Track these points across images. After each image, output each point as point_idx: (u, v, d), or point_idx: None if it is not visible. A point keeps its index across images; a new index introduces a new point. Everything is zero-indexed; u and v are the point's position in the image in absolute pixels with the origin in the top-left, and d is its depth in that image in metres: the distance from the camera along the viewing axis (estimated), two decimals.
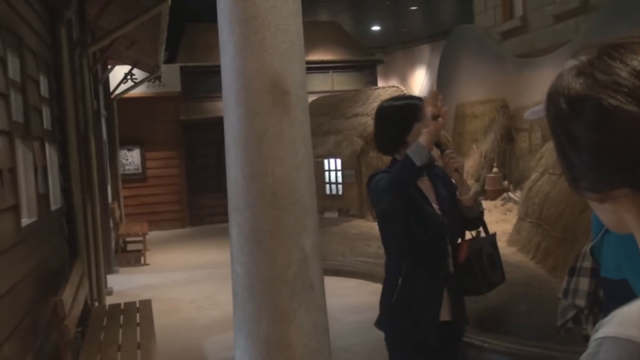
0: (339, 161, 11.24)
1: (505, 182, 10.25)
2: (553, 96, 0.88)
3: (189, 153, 14.60)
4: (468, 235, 2.97)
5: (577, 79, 0.85)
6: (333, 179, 11.36)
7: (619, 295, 1.87)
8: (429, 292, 2.77)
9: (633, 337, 0.75)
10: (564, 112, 0.86)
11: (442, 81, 12.34)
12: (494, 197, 10.12)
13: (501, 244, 8.45)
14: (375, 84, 15.42)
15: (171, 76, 13.93)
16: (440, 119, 2.62)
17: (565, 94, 0.86)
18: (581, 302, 2.23)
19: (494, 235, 3.02)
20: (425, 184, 2.84)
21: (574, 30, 9.18)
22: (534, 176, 7.77)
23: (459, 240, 2.91)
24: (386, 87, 11.25)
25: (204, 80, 14.65)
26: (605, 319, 0.80)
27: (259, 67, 2.24)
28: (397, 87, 11.05)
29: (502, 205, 9.89)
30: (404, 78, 16.99)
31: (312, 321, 2.32)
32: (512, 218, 8.50)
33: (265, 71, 2.24)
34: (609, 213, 0.89)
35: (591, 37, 7.74)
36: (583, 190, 0.88)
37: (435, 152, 2.87)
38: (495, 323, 5.64)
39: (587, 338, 2.28)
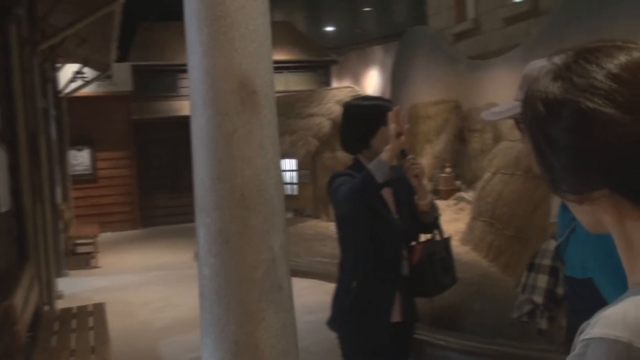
0: (294, 161, 11.24)
1: (458, 182, 10.41)
2: (530, 100, 0.90)
3: (140, 153, 14.38)
4: (423, 238, 3.02)
5: (554, 82, 0.86)
6: (288, 179, 11.35)
7: (584, 293, 1.92)
8: (382, 295, 2.81)
9: (620, 337, 0.76)
10: (542, 115, 0.87)
11: (396, 82, 12.46)
12: (446, 197, 10.27)
13: (454, 242, 8.58)
14: (329, 84, 15.48)
15: (123, 75, 13.69)
16: (402, 137, 2.66)
17: (543, 98, 0.87)
18: (538, 298, 2.28)
19: (449, 239, 3.08)
20: (385, 190, 2.85)
21: (525, 33, 9.40)
22: (486, 176, 7.91)
23: (414, 243, 2.96)
24: (341, 88, 11.32)
25: (156, 79, 14.45)
26: (591, 321, 0.82)
27: (228, 67, 2.23)
28: (352, 87, 11.13)
29: (455, 204, 10.05)
30: (357, 79, 17.10)
31: (281, 322, 2.31)
32: (465, 217, 8.64)
33: (234, 71, 2.23)
34: (587, 214, 0.91)
35: (541, 40, 7.94)
36: (562, 192, 0.90)
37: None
38: (451, 321, 5.73)
39: (540, 332, 2.34)
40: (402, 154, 2.83)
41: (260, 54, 2.31)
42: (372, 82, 16.57)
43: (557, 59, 0.89)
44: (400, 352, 2.97)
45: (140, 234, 13.69)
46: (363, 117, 2.85)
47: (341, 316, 2.87)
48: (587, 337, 0.79)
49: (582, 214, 0.92)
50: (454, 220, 9.46)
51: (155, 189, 14.40)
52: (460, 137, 10.49)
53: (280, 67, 14.91)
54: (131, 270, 9.87)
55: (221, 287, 2.25)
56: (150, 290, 8.51)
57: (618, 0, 6.75)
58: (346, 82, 15.62)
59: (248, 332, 2.23)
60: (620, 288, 1.37)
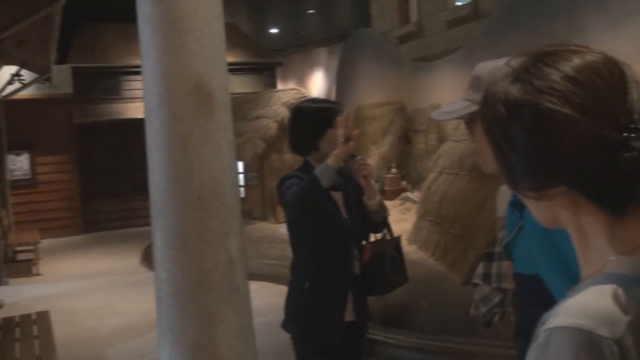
0: (240, 164, 11.18)
1: (404, 183, 10.56)
2: (490, 102, 0.93)
3: (82, 157, 14.03)
4: (373, 237, 3.05)
5: (514, 84, 0.89)
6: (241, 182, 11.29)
7: (532, 289, 1.97)
8: (335, 294, 2.84)
9: (582, 326, 0.79)
10: (503, 116, 0.90)
11: (341, 83, 12.55)
12: (392, 197, 10.40)
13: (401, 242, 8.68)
14: (275, 86, 15.46)
15: (63, 77, 13.33)
16: (351, 142, 2.69)
17: (503, 100, 0.90)
18: (508, 284, 2.29)
19: (399, 238, 3.12)
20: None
21: (466, 36, 9.61)
22: (431, 176, 8.05)
23: (364, 243, 2.99)
24: (287, 90, 11.33)
25: (98, 81, 14.13)
26: (553, 310, 0.85)
27: (183, 71, 2.22)
28: (298, 89, 11.15)
29: (401, 205, 10.18)
30: (302, 81, 17.13)
31: (239, 324, 2.32)
32: (411, 217, 8.77)
33: (190, 74, 2.22)
34: (543, 210, 0.94)
35: (483, 42, 8.14)
36: (522, 190, 0.93)
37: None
38: (400, 319, 5.81)
39: (488, 325, 2.37)
40: (351, 155, 2.86)
41: (216, 57, 2.31)
42: (317, 84, 16.63)
43: (515, 63, 0.92)
44: (353, 352, 2.99)
45: (83, 240, 13.37)
46: (311, 119, 2.86)
47: (294, 317, 2.88)
48: (550, 326, 0.82)
49: (539, 210, 0.95)
50: (400, 220, 9.57)
51: (98, 194, 14.08)
52: (406, 138, 10.64)
53: None
54: (75, 277, 9.63)
55: (179, 290, 2.24)
56: (95, 296, 8.34)
57: (555, 2, 6.99)
58: (291, 84, 15.63)
59: (207, 334, 2.23)
60: (568, 281, 1.43)
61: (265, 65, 15.58)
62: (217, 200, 2.27)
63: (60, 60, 12.48)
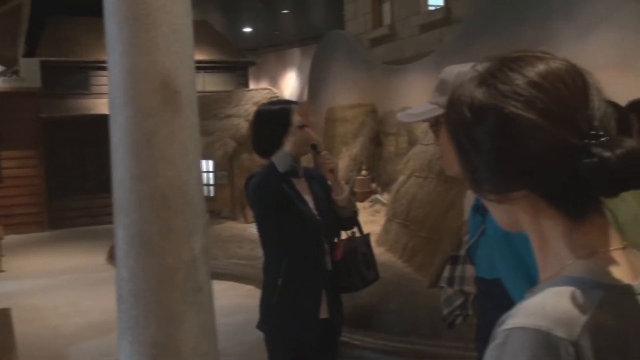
0: (210, 162, 11.10)
1: (374, 185, 10.59)
2: (456, 105, 0.94)
3: (49, 152, 13.80)
4: (344, 235, 3.06)
5: (479, 88, 0.91)
6: (205, 181, 11.19)
7: (492, 293, 1.99)
8: (309, 292, 2.84)
9: (540, 327, 0.80)
10: (468, 119, 0.91)
11: (314, 84, 12.55)
12: (362, 199, 10.42)
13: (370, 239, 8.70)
14: (247, 85, 15.39)
15: (30, 71, 13.10)
16: (306, 128, 2.75)
17: (468, 103, 0.91)
18: (470, 288, 2.31)
19: (368, 235, 3.15)
20: (301, 185, 2.92)
21: (438, 40, 9.68)
22: (401, 179, 8.09)
23: (335, 240, 3.00)
24: (259, 89, 11.29)
25: (67, 76, 13.92)
26: (511, 312, 0.86)
27: (149, 67, 2.19)
28: (270, 89, 11.12)
29: (370, 206, 10.20)
30: (275, 80, 17.10)
31: (201, 324, 2.29)
32: (380, 219, 8.80)
33: (156, 70, 2.19)
34: (504, 213, 0.95)
35: (454, 47, 8.20)
36: (484, 192, 0.94)
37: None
38: (366, 320, 5.82)
39: (451, 326, 2.39)
40: (315, 150, 2.88)
41: (183, 54, 2.29)
42: (290, 85, 16.62)
43: (481, 67, 0.94)
44: (328, 351, 2.98)
45: (48, 237, 13.15)
46: (274, 121, 2.89)
47: (269, 316, 2.87)
48: (508, 327, 0.83)
49: (500, 213, 0.96)
50: (369, 222, 9.59)
51: (65, 190, 13.87)
52: (376, 141, 10.67)
53: (197, 67, 14.66)
54: (39, 274, 9.47)
55: (140, 289, 2.21)
56: (59, 294, 8.20)
57: (526, 10, 7.08)
58: (264, 84, 15.60)
59: (168, 334, 2.20)
60: (527, 285, 1.44)
61: (237, 64, 15.51)
62: (182, 198, 2.25)
63: (29, 54, 12.28)
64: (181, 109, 2.24)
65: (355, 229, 3.09)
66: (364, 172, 10.49)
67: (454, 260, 2.40)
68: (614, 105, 2.31)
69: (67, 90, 13.97)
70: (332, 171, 2.88)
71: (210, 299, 2.41)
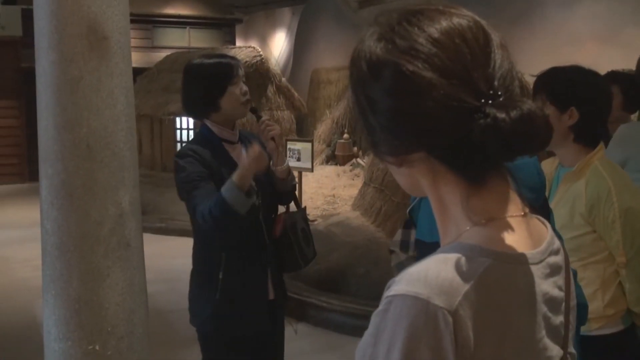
0: (191, 120, 10.98)
1: (355, 149, 10.54)
2: (356, 60, 0.90)
3: (30, 103, 13.59)
4: (281, 209, 2.82)
5: (378, 43, 0.86)
6: (185, 138, 11.09)
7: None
8: (254, 276, 2.61)
9: (420, 294, 0.78)
10: (365, 75, 0.87)
11: (299, 45, 12.41)
12: (343, 163, 10.40)
13: (346, 207, 8.70)
14: (234, 43, 15.16)
15: (12, 19, 12.87)
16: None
17: (366, 58, 0.87)
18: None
19: (305, 209, 2.91)
20: (237, 153, 2.63)
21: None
22: None
23: (273, 215, 2.75)
24: (242, 48, 11.08)
25: None
26: (396, 278, 0.83)
27: (75, 10, 2.08)
28: (254, 48, 10.91)
29: (351, 170, 10.19)
30: (264, 40, 16.85)
31: (128, 280, 2.23)
32: (359, 183, 8.78)
33: (82, 14, 2.08)
34: (405, 177, 0.92)
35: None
36: (382, 154, 0.91)
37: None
38: (335, 283, 5.83)
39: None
40: (256, 115, 2.68)
41: None
42: (279, 45, 16.39)
43: (383, 20, 0.89)
44: (273, 331, 2.76)
45: (28, 188, 13.05)
46: (208, 76, 2.55)
47: (211, 314, 2.56)
48: (391, 293, 0.80)
49: (401, 176, 0.93)
50: (349, 185, 9.59)
51: None
52: None
53: (183, 22, 14.47)
54: (13, 226, 9.42)
55: (63, 242, 2.14)
56: (32, 246, 8.03)
57: None
58: (252, 43, 15.33)
59: (91, 289, 2.15)
60: None
61: (223, 21, 15.25)
62: (107, 149, 2.16)
63: (9, 1, 12.03)
64: (109, 56, 2.14)
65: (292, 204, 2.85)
66: (345, 136, 10.43)
67: (408, 224, 2.36)
68: (596, 75, 2.26)
69: None
70: (274, 139, 2.61)
71: (140, 255, 2.34)
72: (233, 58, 2.70)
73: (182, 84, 2.61)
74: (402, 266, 2.42)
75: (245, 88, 2.59)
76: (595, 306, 2.12)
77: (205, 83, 2.54)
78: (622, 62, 3.51)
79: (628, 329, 2.22)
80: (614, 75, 3.30)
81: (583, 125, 2.13)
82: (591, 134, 2.18)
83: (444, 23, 0.84)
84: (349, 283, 5.80)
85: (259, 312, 2.62)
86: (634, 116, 3.50)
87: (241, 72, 2.61)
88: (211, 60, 2.62)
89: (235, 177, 2.33)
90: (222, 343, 2.61)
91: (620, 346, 2.22)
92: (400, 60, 0.83)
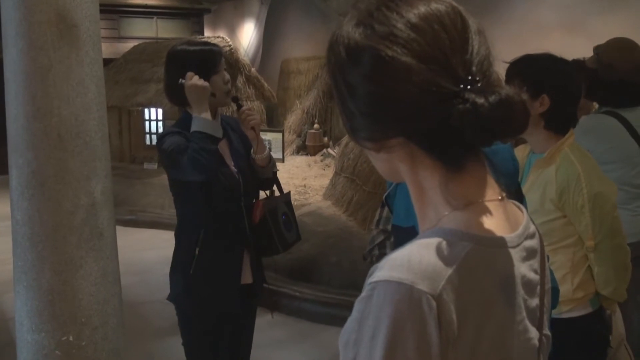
0: (160, 111, 10.86)
1: (325, 139, 10.54)
2: (334, 45, 0.90)
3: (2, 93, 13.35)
4: (262, 195, 2.84)
5: (356, 28, 0.86)
6: (154, 129, 10.97)
7: (408, 241, 1.96)
8: (228, 257, 2.63)
9: (404, 280, 0.78)
10: (344, 61, 0.87)
11: (269, 35, 12.34)
12: (314, 153, 10.38)
13: (317, 197, 8.70)
14: (202, 33, 15.03)
15: None
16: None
17: (345, 43, 0.87)
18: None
19: (289, 194, 2.94)
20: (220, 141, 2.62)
21: None
22: None
23: (254, 201, 2.77)
24: (211, 38, 10.99)
25: None
26: (379, 264, 0.83)
27: None
28: (223, 38, 10.82)
29: (322, 160, 10.18)
30: (232, 30, 16.71)
31: (101, 270, 2.20)
32: (330, 173, 8.79)
33: (50, 1, 2.04)
34: (384, 162, 0.92)
35: None
36: (361, 140, 0.91)
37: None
38: (307, 273, 5.84)
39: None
40: (237, 104, 2.67)
41: None
42: (248, 35, 16.28)
43: (361, 5, 0.89)
44: (246, 316, 2.80)
45: None
46: (191, 64, 2.53)
47: (184, 288, 2.60)
48: (374, 279, 0.81)
49: (380, 162, 0.93)
50: (320, 175, 9.59)
51: None
52: (330, 94, 10.57)
53: (150, 12, 14.28)
54: None
55: (35, 232, 2.11)
56: (1, 240, 8.01)
57: None
58: (221, 33, 15.22)
59: (64, 280, 2.12)
60: None
61: (191, 10, 15.09)
62: (79, 139, 2.13)
63: None
64: (79, 44, 2.10)
65: (275, 189, 2.85)
66: (316, 126, 10.42)
67: (382, 204, 2.39)
68: (567, 63, 2.29)
69: None
70: (254, 128, 2.63)
71: (113, 245, 2.31)
72: (216, 45, 2.68)
73: (164, 70, 2.60)
74: (373, 240, 2.45)
75: (227, 77, 2.60)
76: (565, 289, 2.17)
77: (186, 72, 2.50)
78: (587, 51, 3.55)
79: (596, 312, 2.27)
80: (579, 64, 3.35)
81: (554, 112, 2.16)
82: (561, 120, 2.22)
83: (423, 9, 0.84)
84: (321, 272, 5.82)
85: (229, 294, 2.63)
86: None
87: (223, 60, 2.61)
88: (195, 48, 2.59)
89: (195, 113, 2.44)
90: (198, 318, 2.63)
91: (588, 329, 2.26)
92: (379, 45, 0.83)
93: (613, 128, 2.95)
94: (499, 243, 0.86)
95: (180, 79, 2.47)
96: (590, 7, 7.25)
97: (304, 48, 11.11)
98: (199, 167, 2.39)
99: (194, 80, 2.43)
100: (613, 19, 6.87)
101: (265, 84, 10.63)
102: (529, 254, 0.92)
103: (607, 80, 3.02)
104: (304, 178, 9.52)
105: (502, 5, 6.86)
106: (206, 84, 2.45)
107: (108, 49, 12.58)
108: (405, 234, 2.09)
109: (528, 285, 0.91)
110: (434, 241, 0.82)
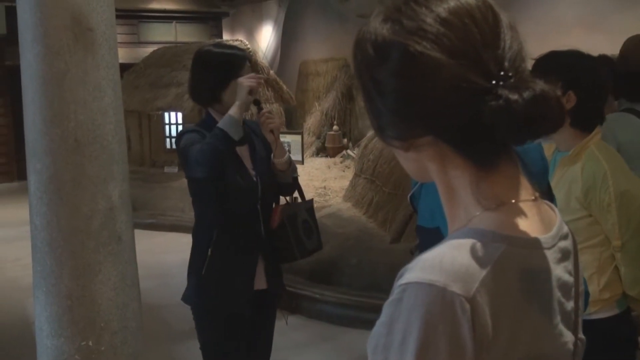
0: (179, 115, 10.91)
1: (345, 140, 10.52)
2: (360, 42, 0.87)
3: (16, 102, 13.48)
4: (283, 200, 2.82)
5: (384, 24, 0.84)
6: (174, 133, 11.02)
7: (432, 241, 1.92)
8: (241, 260, 2.61)
9: (435, 281, 0.75)
10: (371, 57, 0.85)
11: (287, 38, 12.35)
12: (333, 154, 10.37)
13: (337, 199, 8.68)
14: (221, 37, 15.08)
15: None
16: (255, 93, 2.56)
17: (372, 40, 0.85)
18: None
19: (311, 201, 2.92)
20: (242, 149, 2.66)
21: None
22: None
23: (274, 205, 2.76)
24: (230, 41, 11.02)
25: None
26: (409, 266, 0.80)
27: (58, 2, 2.04)
28: (241, 41, 10.86)
29: (341, 162, 10.17)
30: (251, 33, 16.76)
31: (120, 274, 2.20)
32: (350, 174, 8.77)
33: (65, 6, 2.04)
34: (412, 162, 0.90)
35: None
36: (389, 139, 0.88)
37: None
38: (328, 275, 5.82)
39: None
40: (258, 107, 2.67)
41: None
42: (266, 38, 16.30)
43: (388, 1, 0.86)
44: (264, 323, 2.79)
45: (17, 187, 12.95)
46: (214, 66, 2.58)
47: (197, 288, 2.61)
48: (404, 281, 0.78)
49: (408, 161, 0.91)
50: (339, 177, 9.57)
51: None
52: (349, 95, 10.56)
53: (169, 16, 14.37)
54: (3, 225, 9.35)
55: (53, 237, 2.11)
56: (22, 245, 7.97)
57: None
58: (239, 37, 15.25)
59: (83, 285, 2.11)
60: None
61: (210, 14, 15.15)
62: (96, 143, 2.12)
63: None
64: (95, 48, 2.10)
65: (296, 195, 2.85)
66: (335, 128, 10.40)
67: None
68: (594, 59, 2.25)
69: None
70: (273, 132, 2.62)
71: (132, 249, 2.31)
72: (242, 50, 2.73)
73: (190, 71, 2.68)
74: (413, 250, 2.41)
75: None
76: (591, 290, 2.12)
77: (210, 73, 2.58)
78: (608, 47, 3.50)
79: (623, 314, 2.22)
80: (605, 60, 3.30)
81: (580, 109, 2.11)
82: (588, 118, 2.17)
83: (452, 2, 0.82)
84: (342, 274, 5.80)
85: (240, 296, 2.62)
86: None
87: (248, 64, 2.64)
88: (219, 51, 2.66)
89: (232, 110, 2.47)
90: (210, 320, 2.64)
91: (615, 331, 2.21)
92: (408, 40, 0.81)
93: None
94: (534, 244, 0.84)
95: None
96: (609, 4, 7.16)
97: (322, 50, 11.10)
98: (200, 163, 2.41)
99: (249, 75, 2.52)
100: (633, 15, 6.77)
101: (284, 87, 10.63)
102: (564, 255, 0.89)
103: (622, 72, 2.99)
104: (323, 180, 9.51)
105: (522, 3, 6.79)
106: (254, 83, 2.53)
107: (127, 54, 12.66)
108: (430, 235, 2.06)
109: (564, 287, 0.88)
110: (466, 242, 0.80)
